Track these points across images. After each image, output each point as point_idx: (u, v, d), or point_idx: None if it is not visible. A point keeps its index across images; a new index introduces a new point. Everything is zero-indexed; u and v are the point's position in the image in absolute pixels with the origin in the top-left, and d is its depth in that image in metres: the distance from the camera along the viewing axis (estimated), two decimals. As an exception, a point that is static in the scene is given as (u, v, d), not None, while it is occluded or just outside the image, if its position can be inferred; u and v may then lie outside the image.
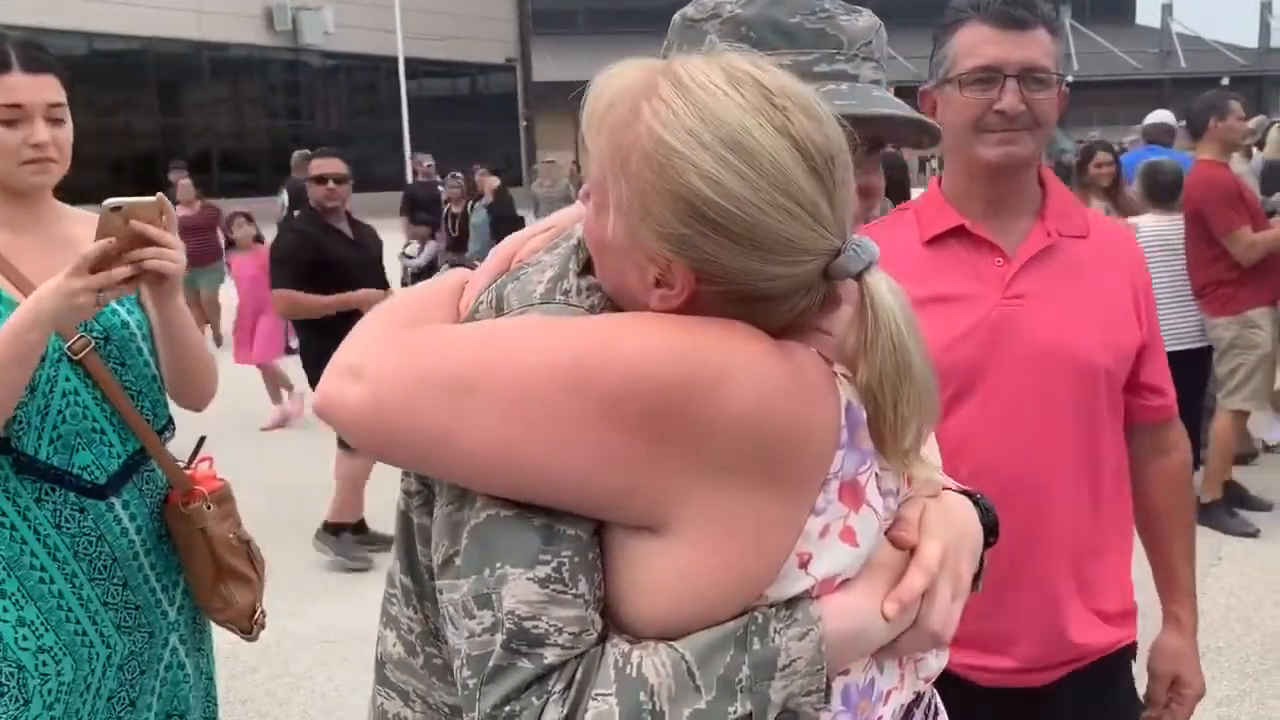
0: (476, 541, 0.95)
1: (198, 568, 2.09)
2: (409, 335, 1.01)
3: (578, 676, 0.91)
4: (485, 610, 0.93)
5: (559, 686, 0.91)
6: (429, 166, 12.59)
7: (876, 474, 1.01)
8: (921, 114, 1.24)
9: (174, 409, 2.18)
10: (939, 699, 1.22)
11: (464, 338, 0.99)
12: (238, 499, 2.19)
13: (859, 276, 0.95)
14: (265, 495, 5.71)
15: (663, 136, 0.92)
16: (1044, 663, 1.76)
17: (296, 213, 6.66)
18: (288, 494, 5.84)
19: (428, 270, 10.43)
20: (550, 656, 0.91)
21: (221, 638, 2.27)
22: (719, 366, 0.91)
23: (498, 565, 0.93)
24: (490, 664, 0.92)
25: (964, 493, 1.18)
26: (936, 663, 1.14)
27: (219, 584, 2.11)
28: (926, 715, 1.16)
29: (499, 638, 0.92)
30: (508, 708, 0.91)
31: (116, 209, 1.84)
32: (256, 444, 7.17)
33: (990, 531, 1.18)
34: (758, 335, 0.95)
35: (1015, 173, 1.74)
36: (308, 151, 11.05)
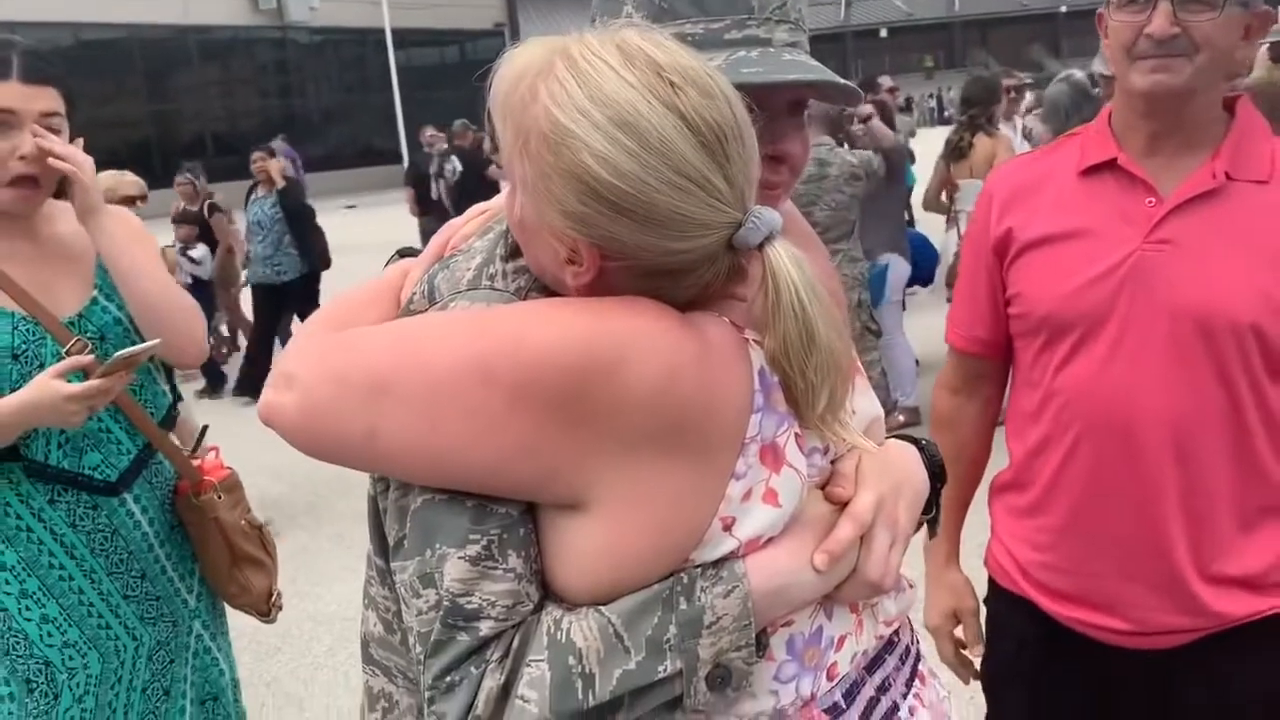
0: (418, 525, 0.99)
1: (213, 556, 2.12)
2: (334, 339, 1.03)
3: (514, 645, 0.96)
4: (429, 589, 0.97)
5: (496, 655, 0.95)
6: (431, 136, 12.45)
7: (796, 434, 1.02)
8: (836, 75, 1.11)
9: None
10: (921, 645, 1.23)
11: (382, 338, 1.01)
12: (248, 485, 2.22)
13: (760, 247, 0.96)
14: (275, 479, 5.75)
15: (557, 117, 0.93)
16: (1163, 626, 1.65)
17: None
18: (298, 477, 5.86)
19: (203, 284, 8.07)
20: (485, 629, 0.95)
21: (245, 621, 2.30)
22: (621, 347, 0.93)
23: (437, 546, 0.97)
24: (433, 639, 0.97)
25: (909, 439, 1.19)
26: (895, 606, 1.16)
27: (235, 570, 2.14)
28: (903, 661, 1.17)
29: (439, 614, 0.96)
30: (448, 678, 0.96)
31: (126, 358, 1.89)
32: (261, 429, 7.17)
33: (937, 476, 1.18)
34: (663, 311, 0.96)
35: (1172, 104, 1.58)
36: (465, 121, 11.19)
